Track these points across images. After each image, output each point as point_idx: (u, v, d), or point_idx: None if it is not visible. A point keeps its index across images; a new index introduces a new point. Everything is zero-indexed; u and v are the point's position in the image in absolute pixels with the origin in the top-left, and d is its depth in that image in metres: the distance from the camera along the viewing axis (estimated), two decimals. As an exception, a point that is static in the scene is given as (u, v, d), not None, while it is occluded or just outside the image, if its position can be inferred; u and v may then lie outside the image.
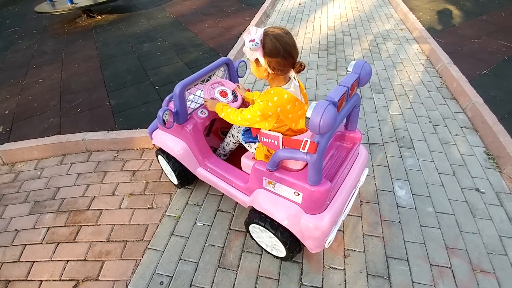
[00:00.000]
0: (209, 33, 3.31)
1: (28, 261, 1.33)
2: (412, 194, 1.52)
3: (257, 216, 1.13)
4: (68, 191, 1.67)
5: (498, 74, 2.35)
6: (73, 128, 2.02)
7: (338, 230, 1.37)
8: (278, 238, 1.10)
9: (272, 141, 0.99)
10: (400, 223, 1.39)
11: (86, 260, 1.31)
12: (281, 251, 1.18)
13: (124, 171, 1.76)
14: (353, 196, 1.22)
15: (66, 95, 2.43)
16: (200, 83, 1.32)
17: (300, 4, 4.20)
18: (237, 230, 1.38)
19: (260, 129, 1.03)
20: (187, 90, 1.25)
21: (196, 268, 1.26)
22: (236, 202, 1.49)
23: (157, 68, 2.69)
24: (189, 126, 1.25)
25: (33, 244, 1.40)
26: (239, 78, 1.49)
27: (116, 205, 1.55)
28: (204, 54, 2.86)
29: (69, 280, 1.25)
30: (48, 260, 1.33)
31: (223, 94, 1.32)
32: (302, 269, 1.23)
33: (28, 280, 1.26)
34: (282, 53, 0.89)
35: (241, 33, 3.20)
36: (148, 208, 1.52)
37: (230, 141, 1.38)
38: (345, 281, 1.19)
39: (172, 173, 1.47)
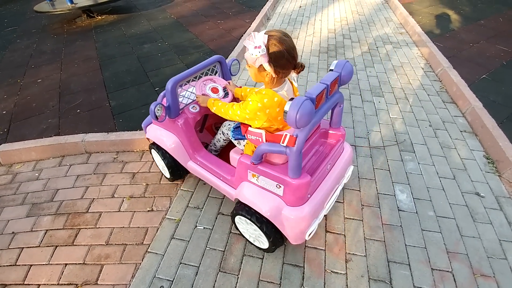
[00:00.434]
0: (209, 35, 3.31)
1: (25, 265, 1.31)
2: (413, 198, 1.53)
3: (242, 208, 1.16)
4: (66, 193, 1.65)
5: (496, 79, 2.38)
6: (72, 129, 2.00)
7: (339, 233, 1.37)
8: (262, 230, 1.13)
9: (257, 138, 1.04)
10: (401, 227, 1.39)
11: (85, 264, 1.29)
12: (264, 243, 1.21)
13: (123, 173, 1.75)
14: (336, 191, 1.25)
15: (65, 95, 2.41)
16: (193, 80, 1.35)
17: (300, 6, 4.22)
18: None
19: (248, 126, 1.07)
20: (180, 86, 1.30)
21: (197, 272, 1.24)
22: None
23: (157, 69, 2.68)
24: (181, 120, 1.30)
25: (30, 247, 1.38)
26: (232, 76, 1.53)
27: (115, 208, 1.53)
28: (204, 55, 2.86)
29: (68, 284, 1.23)
30: (46, 264, 1.30)
31: (214, 90, 1.36)
32: (303, 273, 1.23)
33: (25, 284, 1.24)
34: (286, 56, 0.90)
35: (242, 35, 3.20)
36: (148, 211, 1.51)
37: (221, 138, 1.41)
38: (347, 285, 1.18)
39: (164, 167, 1.50)
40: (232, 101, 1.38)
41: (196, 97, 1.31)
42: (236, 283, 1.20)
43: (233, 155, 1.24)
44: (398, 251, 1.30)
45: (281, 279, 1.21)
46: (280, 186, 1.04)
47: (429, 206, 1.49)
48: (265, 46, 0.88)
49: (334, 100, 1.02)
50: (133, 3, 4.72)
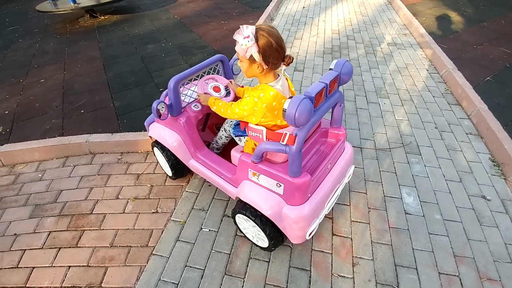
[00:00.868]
0: (213, 35, 3.31)
1: (27, 267, 1.29)
2: (420, 201, 1.51)
3: (242, 207, 1.16)
4: (70, 194, 1.63)
5: (501, 81, 2.37)
6: (76, 129, 1.99)
7: (346, 237, 1.36)
8: (259, 227, 1.13)
9: (257, 134, 1.06)
10: (409, 230, 1.38)
11: (89, 266, 1.28)
12: (264, 241, 1.21)
13: (128, 174, 1.73)
14: (337, 191, 1.25)
15: (69, 95, 2.40)
16: (195, 79, 1.35)
17: (304, 7, 4.22)
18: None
19: (248, 123, 1.08)
20: (183, 85, 1.31)
21: (202, 275, 1.23)
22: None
23: (161, 70, 2.67)
24: (183, 118, 1.31)
25: (33, 249, 1.36)
26: (234, 75, 1.53)
27: (120, 209, 1.52)
28: (208, 56, 2.85)
29: (71, 287, 1.21)
30: (49, 266, 1.29)
31: (216, 89, 1.37)
32: (310, 277, 1.21)
33: (27, 287, 1.22)
34: (275, 46, 0.94)
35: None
36: (153, 212, 1.50)
37: (223, 135, 1.42)
38: (354, 290, 1.17)
39: (167, 165, 1.51)
40: (233, 100, 1.38)
41: (198, 96, 1.31)
42: (242, 286, 1.19)
43: (234, 153, 1.24)
44: (406, 255, 1.29)
45: (287, 282, 1.20)
46: (280, 185, 1.04)
47: (436, 209, 1.48)
48: (254, 37, 0.92)
49: (333, 99, 1.02)
50: (136, 3, 4.71)
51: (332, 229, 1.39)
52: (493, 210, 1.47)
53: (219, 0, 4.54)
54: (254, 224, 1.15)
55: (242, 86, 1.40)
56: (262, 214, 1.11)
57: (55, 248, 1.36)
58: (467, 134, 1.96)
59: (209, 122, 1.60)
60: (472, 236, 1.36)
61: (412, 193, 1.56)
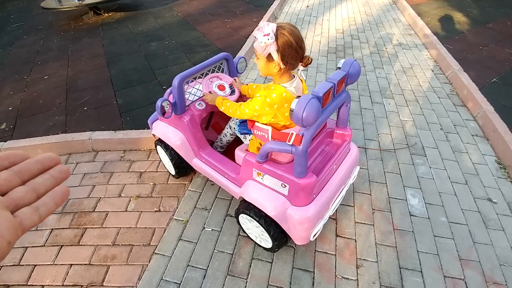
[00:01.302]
0: (217, 34, 3.29)
1: (29, 265, 1.29)
2: (425, 203, 1.50)
3: (246, 207, 1.15)
4: (73, 191, 1.63)
5: (507, 83, 2.34)
6: (79, 126, 1.99)
7: (350, 238, 1.34)
8: (263, 227, 1.12)
9: (263, 133, 1.04)
10: (413, 232, 1.36)
11: (91, 265, 1.27)
12: (268, 242, 1.20)
13: (131, 172, 1.73)
14: (342, 192, 1.24)
15: (72, 92, 2.40)
16: (199, 77, 1.35)
17: (308, 6, 4.19)
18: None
19: (255, 122, 1.06)
20: (187, 83, 1.30)
21: (205, 275, 1.22)
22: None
23: (164, 68, 2.66)
24: (187, 117, 1.30)
25: (35, 246, 1.36)
26: (238, 74, 1.52)
27: (122, 207, 1.52)
28: (212, 54, 2.83)
29: (73, 285, 1.21)
30: (51, 264, 1.28)
31: (221, 87, 1.36)
32: (313, 278, 1.20)
33: (29, 285, 1.21)
34: (294, 46, 0.91)
35: (249, 35, 3.18)
36: (156, 211, 1.49)
37: (228, 133, 1.41)
38: (358, 292, 1.16)
39: (170, 163, 1.50)
40: (238, 98, 1.38)
41: (204, 95, 1.30)
42: (245, 287, 1.18)
43: (238, 152, 1.22)
44: (410, 257, 1.27)
45: (290, 284, 1.19)
46: (285, 186, 1.03)
47: (441, 211, 1.46)
48: (274, 35, 0.89)
49: (341, 99, 1.01)
50: (139, 1, 4.70)
51: (336, 230, 1.37)
52: (499, 213, 1.45)
53: (222, -1, 4.52)
54: (258, 225, 1.14)
55: (247, 84, 1.39)
56: (266, 215, 1.10)
57: (57, 246, 1.36)
58: (473, 136, 1.93)
59: (213, 120, 1.59)
60: (478, 239, 1.34)
61: (417, 194, 1.54)
